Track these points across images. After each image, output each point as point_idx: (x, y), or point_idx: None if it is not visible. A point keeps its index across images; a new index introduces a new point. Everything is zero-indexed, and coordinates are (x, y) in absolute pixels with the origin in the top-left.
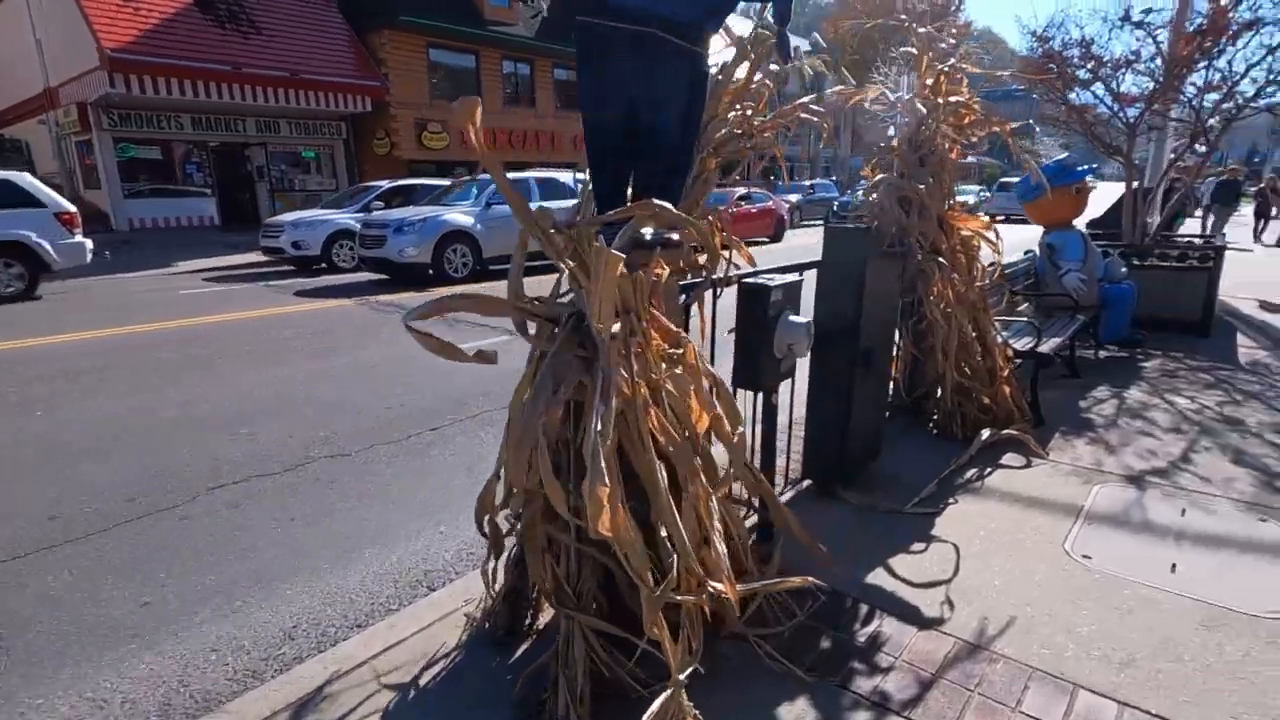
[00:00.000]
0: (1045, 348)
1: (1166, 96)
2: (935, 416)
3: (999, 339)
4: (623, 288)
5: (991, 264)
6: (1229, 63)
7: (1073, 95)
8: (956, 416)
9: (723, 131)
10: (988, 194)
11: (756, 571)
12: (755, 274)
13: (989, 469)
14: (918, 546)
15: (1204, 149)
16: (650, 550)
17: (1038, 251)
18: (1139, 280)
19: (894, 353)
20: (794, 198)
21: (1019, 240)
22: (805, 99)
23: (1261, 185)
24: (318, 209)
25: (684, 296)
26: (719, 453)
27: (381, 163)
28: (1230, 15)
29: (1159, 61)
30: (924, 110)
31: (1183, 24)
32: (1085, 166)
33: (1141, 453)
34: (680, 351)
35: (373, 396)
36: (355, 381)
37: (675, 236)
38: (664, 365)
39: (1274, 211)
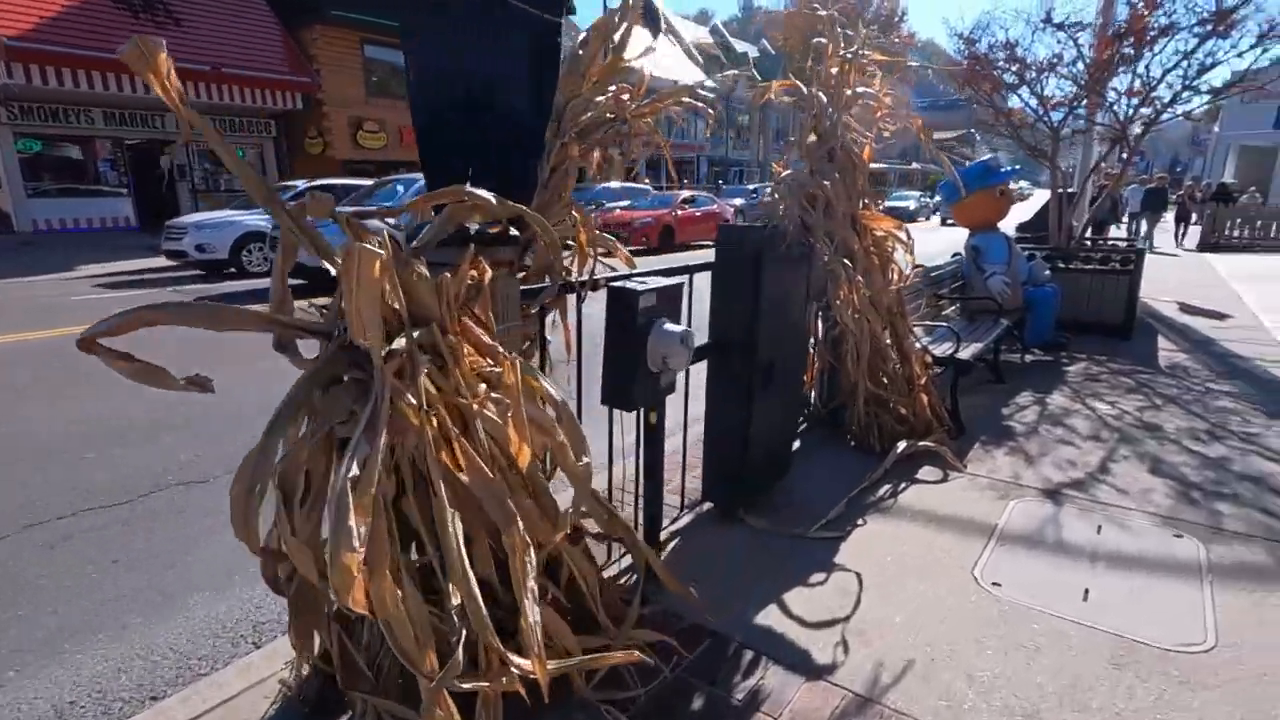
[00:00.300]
0: (965, 354)
1: (1091, 101)
2: (852, 428)
3: (918, 345)
4: (417, 292)
5: (917, 268)
6: (1146, 68)
7: (1004, 99)
8: (873, 428)
9: (589, 114)
10: (927, 200)
11: (612, 626)
12: (627, 277)
13: (903, 484)
14: (817, 577)
15: (1125, 155)
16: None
17: (964, 254)
18: (1064, 283)
19: (806, 361)
20: (738, 201)
21: (956, 243)
22: (690, 84)
23: (1181, 193)
24: (228, 210)
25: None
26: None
27: (315, 163)
28: (1146, 20)
29: (1081, 66)
30: (824, 100)
31: (1106, 29)
32: (1008, 169)
33: (1060, 463)
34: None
35: (259, 414)
36: (237, 398)
37: (516, 233)
38: (484, 386)
39: (1193, 217)
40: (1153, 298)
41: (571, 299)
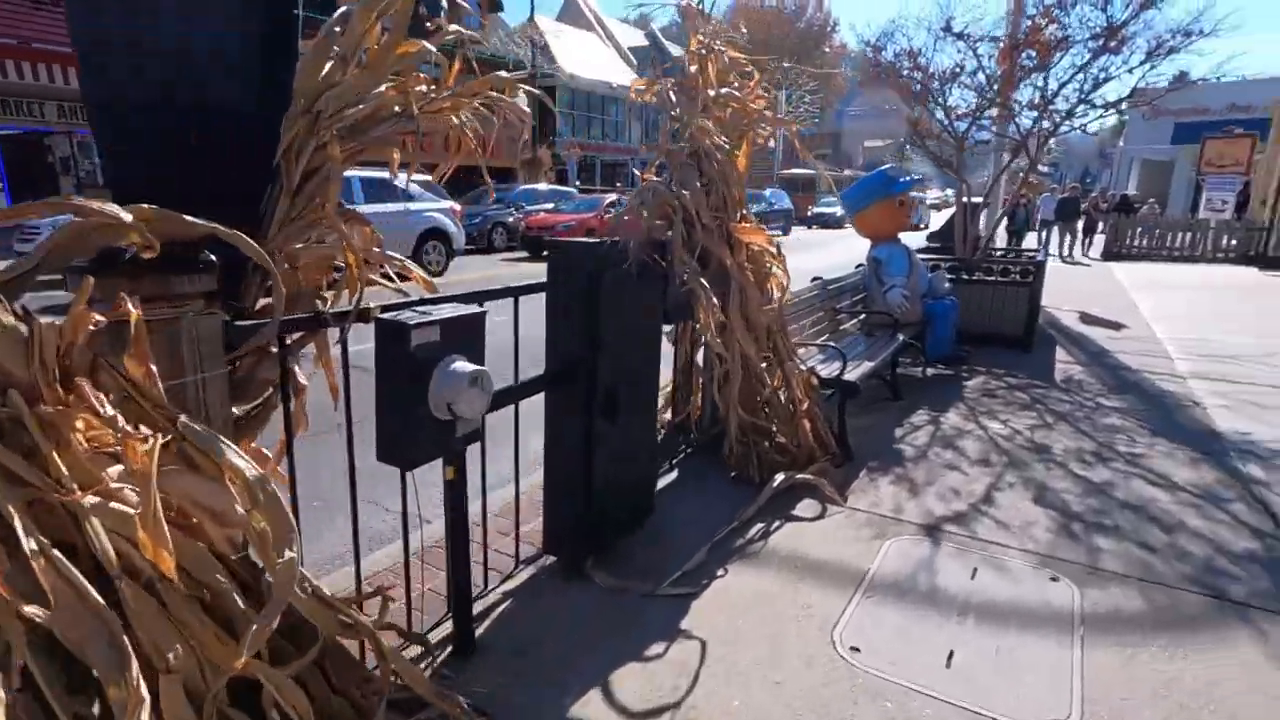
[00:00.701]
0: (853, 374)
1: (1002, 114)
2: (730, 458)
3: (803, 367)
4: None
5: (817, 284)
6: (1045, 80)
7: (913, 108)
8: (751, 457)
9: (358, 108)
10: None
11: None
12: (406, 305)
13: (777, 522)
14: (656, 648)
15: (1026, 165)
16: None
17: (866, 266)
18: (966, 295)
19: (663, 388)
20: None
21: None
22: (513, 74)
23: (1087, 204)
24: None
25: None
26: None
27: None
28: (1043, 34)
29: (982, 76)
30: (673, 99)
31: (1013, 38)
32: (907, 179)
33: (945, 493)
34: (151, 444)
35: None
36: None
37: (211, 257)
38: (116, 469)
39: (1100, 227)
40: (1056, 307)
41: (334, 333)
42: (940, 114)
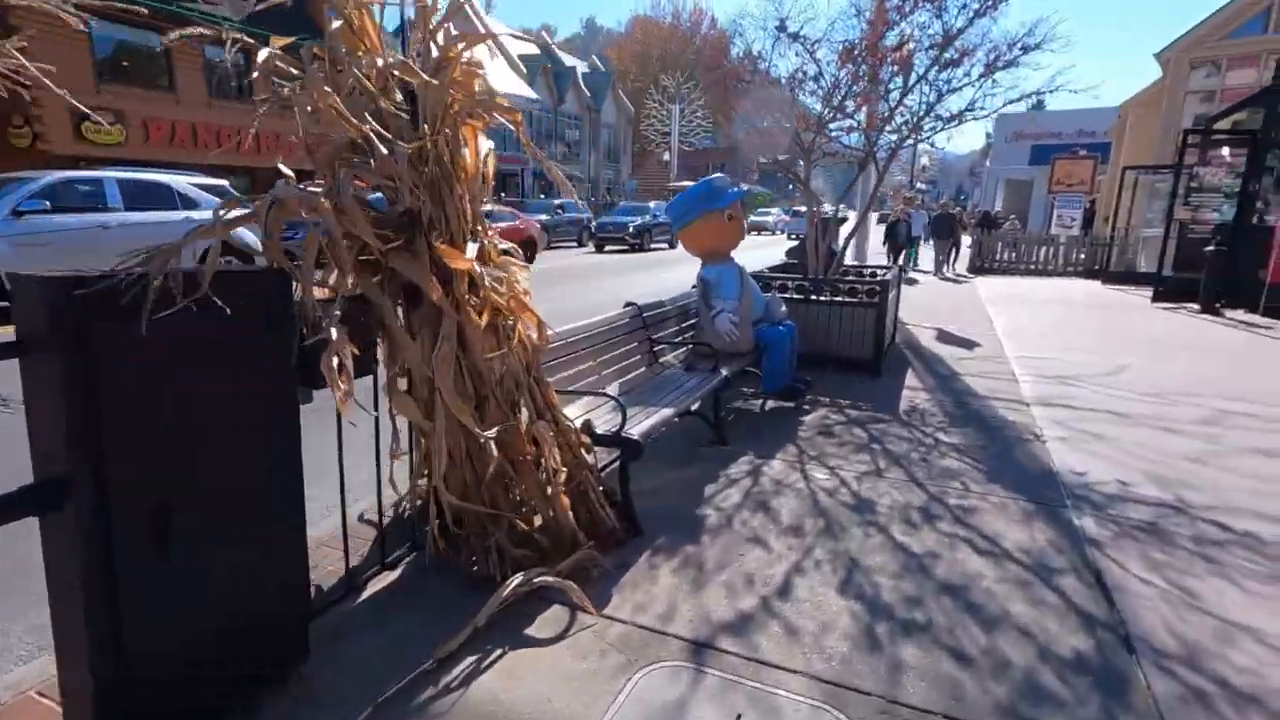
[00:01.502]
0: (641, 427)
1: (870, 121)
2: (464, 552)
3: (573, 422)
4: None
5: (629, 310)
6: (887, 90)
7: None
8: (491, 551)
9: None
10: (785, 216)
11: None
12: None
13: (497, 652)
14: None
15: (877, 179)
16: None
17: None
18: (815, 316)
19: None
20: (543, 217)
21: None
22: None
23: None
24: None
25: None
26: None
27: (22, 157)
28: (880, 37)
29: (824, 81)
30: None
31: (849, 43)
32: (735, 190)
33: (736, 583)
34: None
35: None
36: None
37: None
38: None
39: (967, 241)
40: (918, 324)
41: None
42: (785, 122)
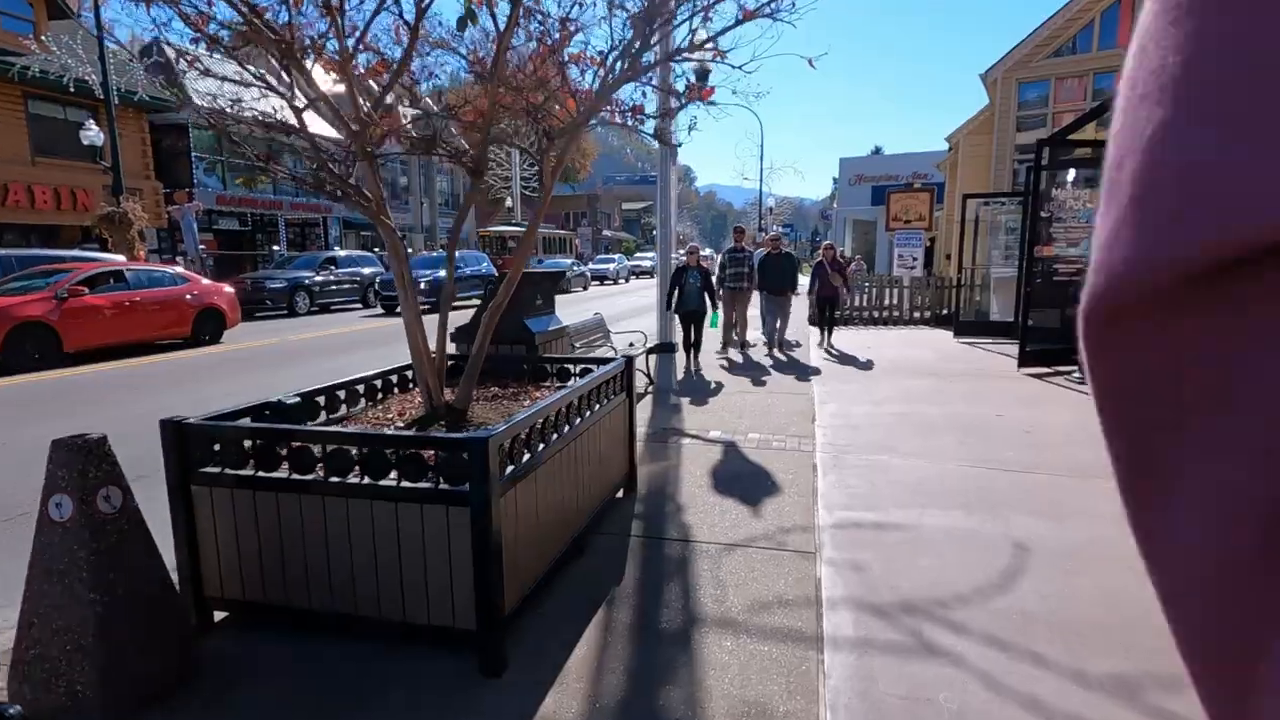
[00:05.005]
0: None
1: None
2: None
3: None
4: None
5: None
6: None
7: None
8: None
9: None
10: (625, 262)
11: None
12: None
13: None
14: None
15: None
16: None
17: None
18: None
19: None
20: (306, 272)
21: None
22: None
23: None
24: None
25: None
26: None
27: None
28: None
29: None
30: None
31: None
32: None
33: None
34: None
35: None
36: None
37: None
38: None
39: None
40: (700, 434)
41: None
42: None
